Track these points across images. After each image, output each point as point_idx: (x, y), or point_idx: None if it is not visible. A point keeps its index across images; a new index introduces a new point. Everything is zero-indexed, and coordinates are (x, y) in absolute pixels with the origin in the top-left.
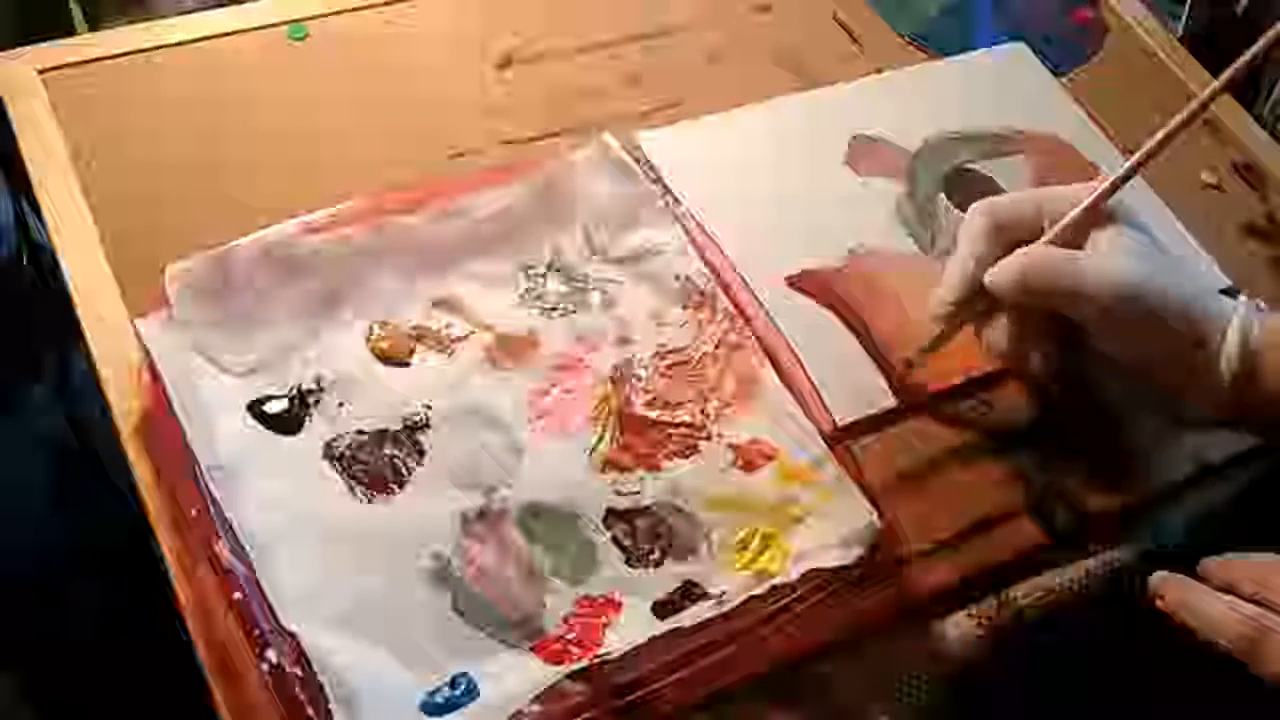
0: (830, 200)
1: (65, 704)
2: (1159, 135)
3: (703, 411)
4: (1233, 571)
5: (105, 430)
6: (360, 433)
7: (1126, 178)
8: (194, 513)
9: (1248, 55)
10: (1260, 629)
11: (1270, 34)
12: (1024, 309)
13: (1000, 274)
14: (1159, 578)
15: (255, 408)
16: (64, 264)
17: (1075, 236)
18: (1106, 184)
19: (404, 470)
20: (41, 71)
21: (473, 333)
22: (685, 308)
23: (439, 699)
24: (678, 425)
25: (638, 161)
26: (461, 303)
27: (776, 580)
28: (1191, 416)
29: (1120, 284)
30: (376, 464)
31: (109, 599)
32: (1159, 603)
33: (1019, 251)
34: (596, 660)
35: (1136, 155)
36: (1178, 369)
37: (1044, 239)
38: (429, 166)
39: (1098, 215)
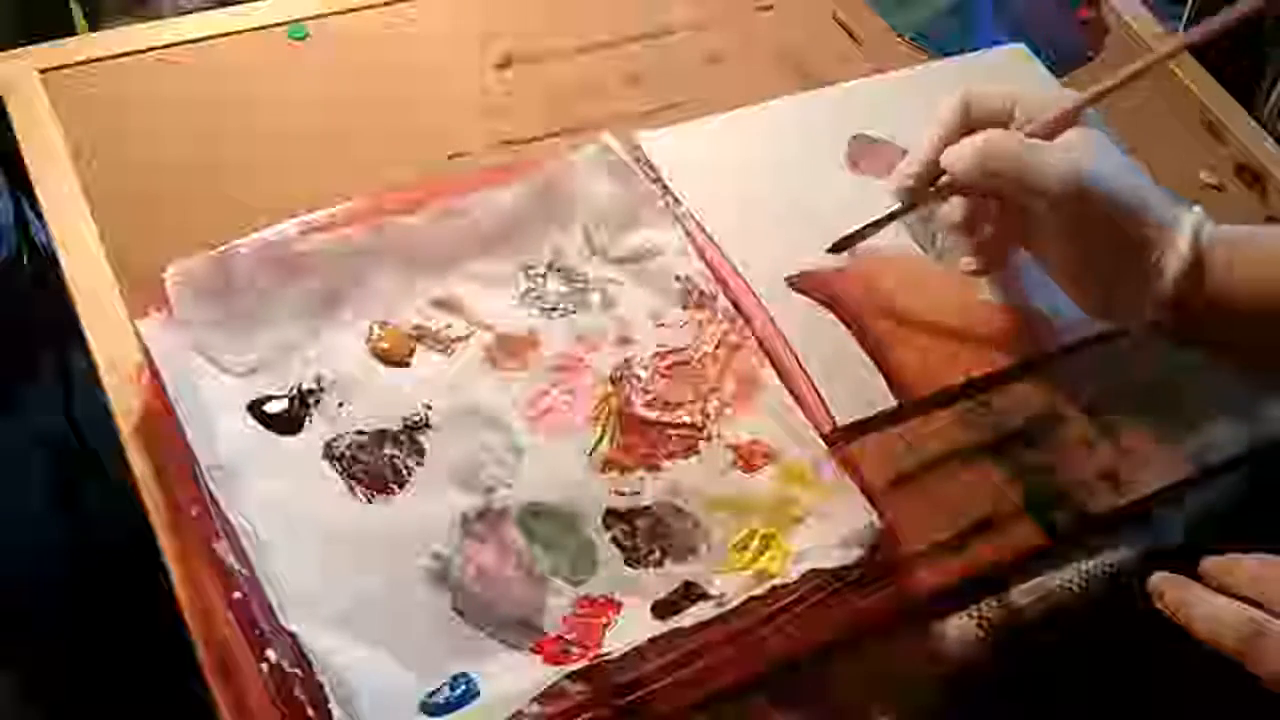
0: (830, 200)
1: (65, 703)
2: (1162, 50)
3: (703, 412)
4: (1232, 572)
5: (105, 430)
6: (360, 433)
7: (1109, 90)
8: (194, 513)
9: None
10: (1258, 629)
11: None
12: (975, 195)
13: (957, 152)
14: (1158, 578)
15: (255, 408)
16: (64, 264)
17: (1045, 138)
18: (1089, 93)
19: (404, 470)
20: (41, 71)
21: (473, 333)
22: (685, 308)
23: (439, 699)
24: (678, 425)
25: (638, 161)
26: (461, 303)
27: (776, 580)
28: (1192, 416)
29: (1071, 174)
30: (376, 464)
31: (108, 599)
32: (1158, 603)
33: (979, 134)
34: (596, 660)
35: (1129, 68)
36: (1117, 268)
37: (1013, 128)
38: (429, 166)
39: (1072, 121)
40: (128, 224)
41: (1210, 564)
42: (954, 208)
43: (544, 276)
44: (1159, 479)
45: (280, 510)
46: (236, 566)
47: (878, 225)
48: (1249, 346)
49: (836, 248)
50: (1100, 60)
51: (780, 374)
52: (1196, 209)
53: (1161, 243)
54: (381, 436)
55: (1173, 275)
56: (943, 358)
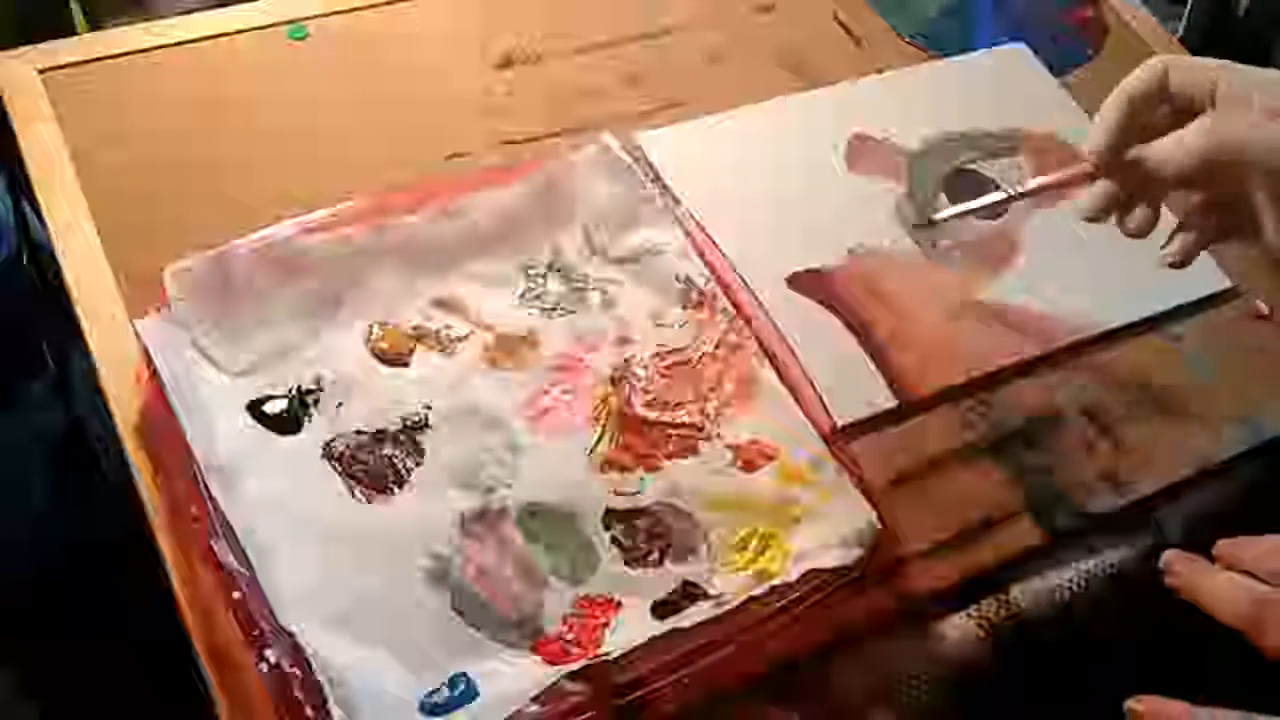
0: (830, 200)
1: (64, 700)
2: None
3: (702, 412)
4: (1245, 552)
5: (105, 429)
6: (359, 433)
7: None
8: (193, 512)
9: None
10: (1261, 600)
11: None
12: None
13: (1187, 137)
14: (1170, 554)
15: (255, 407)
16: (64, 264)
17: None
18: None
19: (403, 470)
20: (41, 71)
21: (472, 333)
22: (685, 308)
23: (438, 699)
24: (677, 425)
25: (638, 161)
26: (461, 303)
27: (776, 580)
28: (1192, 416)
29: None
30: (376, 464)
31: (108, 596)
32: (1169, 579)
33: (1199, 122)
34: (596, 660)
35: None
36: None
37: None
38: (429, 166)
39: None
40: (127, 223)
41: (1224, 545)
42: (1092, 195)
43: (544, 276)
44: (1159, 479)
45: (279, 510)
46: (236, 566)
47: (972, 211)
48: None
49: (924, 225)
50: (1100, 60)
51: (780, 374)
52: None
53: None
54: (381, 436)
55: None
56: (943, 358)
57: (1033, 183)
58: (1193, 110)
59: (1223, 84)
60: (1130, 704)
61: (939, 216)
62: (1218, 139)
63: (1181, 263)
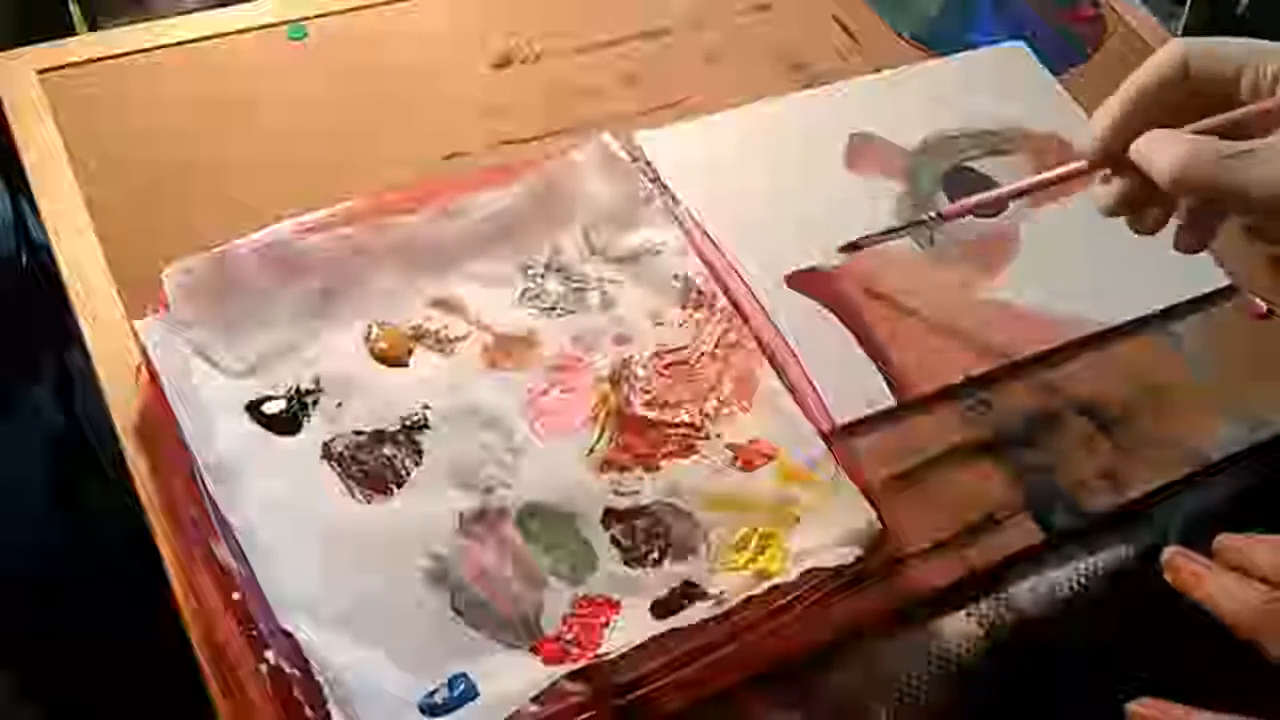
0: (829, 200)
1: (64, 703)
2: None
3: (701, 411)
4: (1248, 551)
5: (104, 430)
6: (358, 433)
7: None
8: (193, 513)
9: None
10: (1272, 608)
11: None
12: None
13: (1157, 156)
14: (1172, 552)
15: (254, 408)
16: (63, 264)
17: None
18: None
19: (402, 471)
20: (41, 71)
21: (472, 333)
22: (684, 307)
23: (437, 699)
24: (676, 425)
25: (636, 161)
26: (461, 303)
27: (776, 580)
28: (1192, 416)
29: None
30: (375, 464)
31: (108, 598)
32: (1170, 575)
33: (1180, 136)
34: (595, 660)
35: None
36: None
37: (1209, 121)
38: (428, 166)
39: None
40: (126, 224)
41: (1227, 540)
42: (1108, 193)
43: (543, 276)
44: (1159, 479)
45: (279, 511)
46: (235, 567)
47: (892, 233)
48: None
49: (847, 248)
50: (1100, 60)
51: (779, 373)
52: None
53: None
54: (380, 437)
55: None
56: (943, 357)
57: (980, 197)
58: (1222, 98)
59: (1248, 70)
60: (1133, 706)
61: (862, 238)
62: (1185, 168)
63: (1193, 249)
